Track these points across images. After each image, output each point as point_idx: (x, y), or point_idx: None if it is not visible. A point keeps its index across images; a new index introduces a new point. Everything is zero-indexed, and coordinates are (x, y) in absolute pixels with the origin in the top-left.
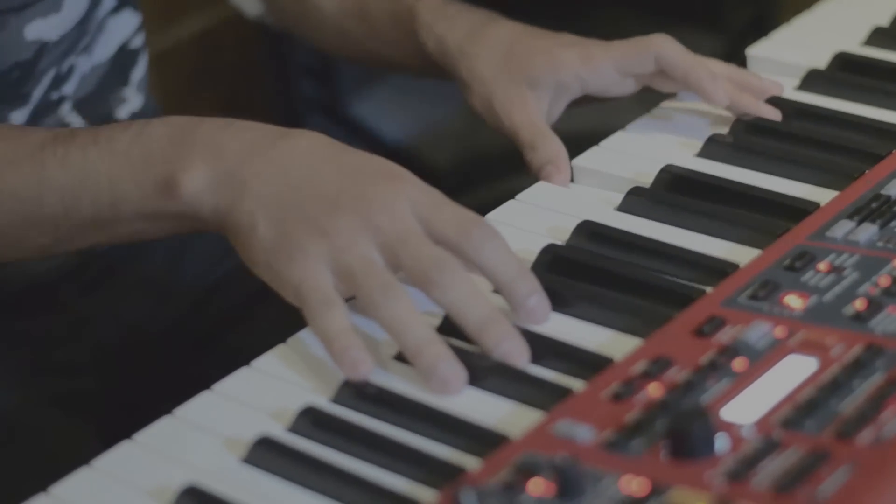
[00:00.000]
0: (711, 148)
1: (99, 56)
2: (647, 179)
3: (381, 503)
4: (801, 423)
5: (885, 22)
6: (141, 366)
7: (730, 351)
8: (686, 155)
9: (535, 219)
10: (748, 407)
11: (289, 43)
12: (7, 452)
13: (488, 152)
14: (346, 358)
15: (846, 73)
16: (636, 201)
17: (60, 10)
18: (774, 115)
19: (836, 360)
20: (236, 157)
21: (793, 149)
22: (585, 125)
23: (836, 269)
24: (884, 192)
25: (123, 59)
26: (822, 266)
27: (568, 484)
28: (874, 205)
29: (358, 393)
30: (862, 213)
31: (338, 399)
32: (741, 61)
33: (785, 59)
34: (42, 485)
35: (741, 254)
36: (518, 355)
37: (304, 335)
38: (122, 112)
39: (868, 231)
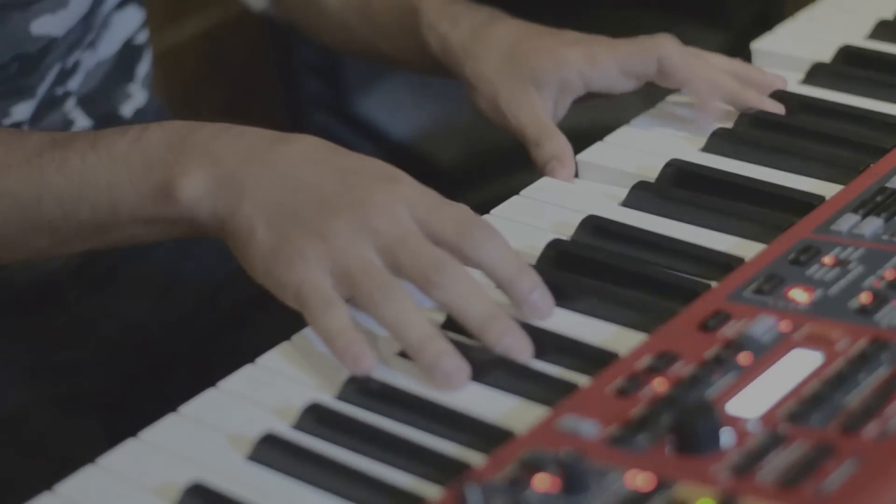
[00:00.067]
0: (716, 142)
1: (104, 52)
2: (651, 174)
3: (386, 500)
4: (806, 417)
5: (889, 15)
6: (145, 364)
7: (735, 345)
8: (690, 149)
9: (540, 214)
10: (753, 401)
11: (294, 41)
12: (13, 451)
13: (494, 149)
14: (349, 354)
15: (851, 66)
16: (641, 196)
17: (67, 5)
18: (778, 108)
19: (842, 354)
20: (233, 161)
21: (797, 142)
22: (590, 121)
23: (841, 263)
24: (889, 185)
25: (128, 54)
26: (828, 260)
27: (573, 479)
28: (879, 198)
29: (362, 389)
30: (867, 206)
31: (342, 396)
32: (746, 56)
33: (790, 52)
34: (47, 483)
35: (746, 248)
36: (521, 350)
37: (308, 332)
38: (127, 108)
39: (873, 224)
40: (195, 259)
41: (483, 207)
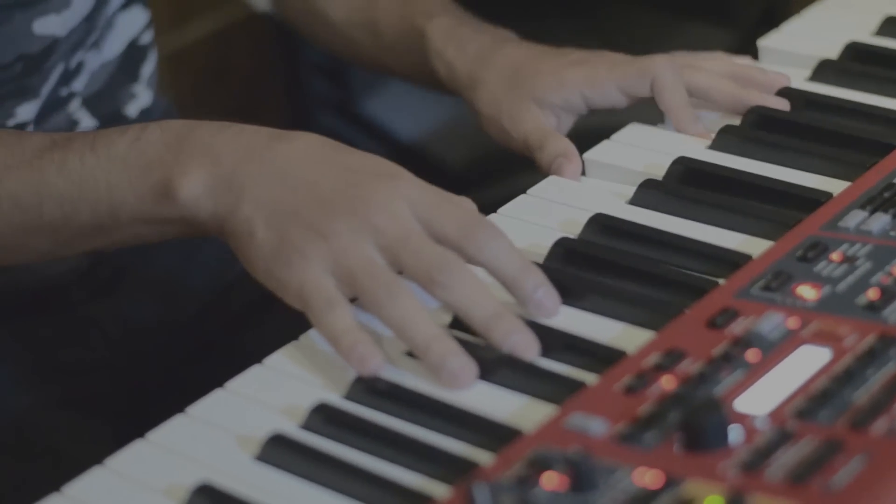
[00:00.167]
0: (723, 140)
1: (108, 52)
2: (658, 172)
3: (393, 499)
4: (814, 414)
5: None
6: (153, 366)
7: (743, 342)
8: (698, 147)
9: (547, 213)
10: (762, 398)
11: (301, 42)
12: (20, 453)
13: (501, 150)
14: (355, 354)
15: (858, 63)
16: (648, 194)
17: (70, 4)
18: (782, 105)
19: (850, 350)
20: (233, 160)
21: (805, 140)
22: (595, 120)
23: (848, 259)
24: None
25: (133, 55)
26: (835, 256)
27: (581, 477)
28: (886, 194)
29: (370, 389)
30: (874, 202)
31: (350, 395)
32: (753, 53)
33: (796, 50)
34: (56, 485)
35: (754, 245)
36: (527, 347)
37: (315, 333)
38: (132, 109)
39: (881, 221)
40: (202, 261)
41: (490, 208)
